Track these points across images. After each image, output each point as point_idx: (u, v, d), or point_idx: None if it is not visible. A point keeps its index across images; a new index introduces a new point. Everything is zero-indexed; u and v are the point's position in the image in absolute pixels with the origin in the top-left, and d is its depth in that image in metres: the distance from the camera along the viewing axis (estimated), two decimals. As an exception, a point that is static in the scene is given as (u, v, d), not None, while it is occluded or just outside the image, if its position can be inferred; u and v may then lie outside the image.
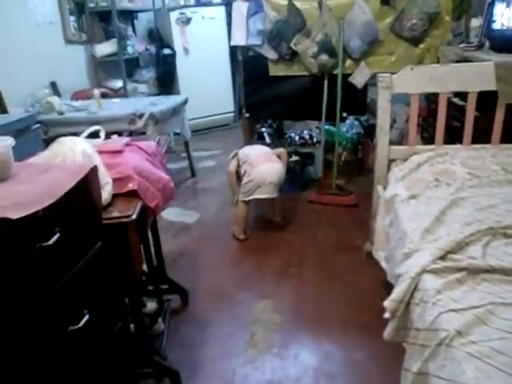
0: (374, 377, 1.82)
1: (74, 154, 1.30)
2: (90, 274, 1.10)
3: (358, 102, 3.43)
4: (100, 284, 1.17)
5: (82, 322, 0.98)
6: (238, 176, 3.08)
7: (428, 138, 3.10)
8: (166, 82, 5.34)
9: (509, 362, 1.01)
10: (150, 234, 2.08)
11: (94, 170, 1.11)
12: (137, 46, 5.03)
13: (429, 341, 1.21)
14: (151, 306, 2.13)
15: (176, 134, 4.46)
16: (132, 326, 1.72)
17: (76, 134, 1.61)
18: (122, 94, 4.67)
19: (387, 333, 1.49)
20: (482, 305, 1.19)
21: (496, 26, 2.62)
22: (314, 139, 3.89)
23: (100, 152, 1.51)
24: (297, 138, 3.95)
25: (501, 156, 2.20)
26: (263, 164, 2.94)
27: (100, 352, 1.16)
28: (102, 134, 1.72)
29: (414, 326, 1.32)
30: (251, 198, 2.94)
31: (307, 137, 3.93)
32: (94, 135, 1.71)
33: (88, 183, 1.07)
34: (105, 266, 1.18)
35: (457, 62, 2.66)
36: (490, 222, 1.56)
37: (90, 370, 1.13)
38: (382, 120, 2.33)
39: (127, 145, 1.73)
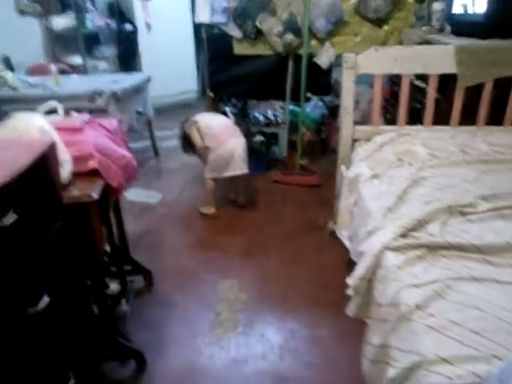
0: (337, 352, 1.87)
1: (31, 130, 1.23)
2: (50, 255, 1.06)
3: (323, 82, 3.44)
4: (61, 265, 1.13)
5: (43, 304, 0.95)
6: (192, 142, 3.02)
7: (390, 120, 3.16)
8: (128, 60, 5.17)
9: (464, 333, 1.06)
10: (112, 215, 2.03)
11: (52, 146, 1.06)
12: (96, 20, 4.82)
13: (390, 315, 1.25)
14: (114, 287, 2.09)
15: (138, 112, 4.34)
16: (95, 307, 1.69)
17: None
18: (81, 70, 4.49)
19: (350, 309, 1.53)
20: (440, 280, 1.24)
21: (456, 10, 2.67)
22: (279, 119, 3.88)
23: (58, 129, 1.44)
24: (261, 117, 3.93)
25: (459, 137, 2.27)
26: (231, 139, 2.90)
27: (62, 334, 1.13)
28: (61, 111, 1.64)
29: (376, 301, 1.36)
30: (223, 176, 2.91)
31: (272, 117, 3.91)
32: (52, 112, 1.63)
33: (46, 161, 1.02)
34: (65, 246, 1.14)
35: (419, 44, 2.70)
36: (449, 201, 1.62)
37: (51, 353, 1.10)
38: (346, 100, 2.35)
39: (87, 122, 1.67)
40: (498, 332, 1.03)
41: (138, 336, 1.96)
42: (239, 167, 2.91)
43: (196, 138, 2.98)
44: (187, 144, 3.14)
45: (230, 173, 2.90)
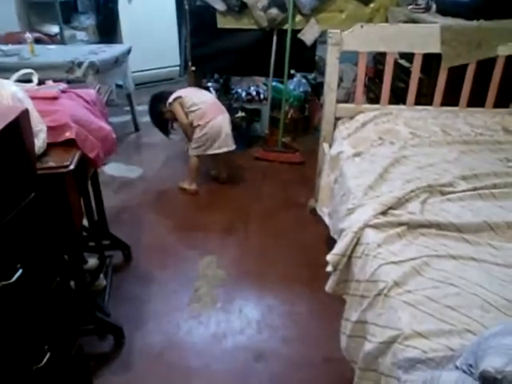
0: (314, 327, 1.90)
1: (2, 97, 1.18)
2: (23, 227, 1.03)
3: (307, 59, 3.39)
4: (35, 237, 1.10)
5: (15, 276, 0.92)
6: (175, 119, 2.96)
7: (373, 99, 3.15)
8: (108, 30, 5.00)
9: (439, 308, 1.08)
10: (90, 188, 1.99)
11: (25, 113, 1.01)
12: (74, -13, 4.65)
13: (368, 291, 1.26)
14: (92, 262, 2.07)
15: (118, 86, 4.24)
16: (72, 282, 1.66)
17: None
18: (58, 40, 4.33)
19: (329, 286, 1.54)
20: (418, 257, 1.26)
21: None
22: (261, 96, 3.83)
23: (33, 98, 1.39)
24: (243, 94, 3.87)
25: (440, 118, 2.28)
26: (218, 116, 2.85)
27: (36, 308, 1.10)
28: (35, 79, 1.58)
29: (355, 278, 1.37)
30: (209, 153, 2.88)
31: (254, 93, 3.86)
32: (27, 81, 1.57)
33: (18, 128, 0.98)
34: (40, 219, 1.11)
35: (405, 23, 2.68)
36: (429, 180, 1.63)
37: (25, 327, 1.08)
38: (330, 77, 2.32)
39: (64, 91, 1.61)
40: (473, 308, 1.05)
41: (117, 311, 1.95)
42: (226, 144, 2.88)
43: (180, 114, 2.89)
44: (164, 122, 3.07)
45: (216, 150, 2.87)
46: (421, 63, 2.30)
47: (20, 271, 0.94)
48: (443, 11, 2.60)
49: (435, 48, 2.25)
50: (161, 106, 3.01)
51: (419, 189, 1.57)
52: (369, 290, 1.27)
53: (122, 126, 4.08)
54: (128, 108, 4.06)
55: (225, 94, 3.86)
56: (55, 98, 1.49)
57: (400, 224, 1.40)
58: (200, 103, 2.87)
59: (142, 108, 4.42)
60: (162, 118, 3.05)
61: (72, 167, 1.27)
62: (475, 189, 1.59)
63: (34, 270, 1.07)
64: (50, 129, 1.35)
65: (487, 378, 0.77)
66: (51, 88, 1.59)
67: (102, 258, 2.10)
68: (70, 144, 1.38)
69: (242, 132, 3.64)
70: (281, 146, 3.48)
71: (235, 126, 3.52)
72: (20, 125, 0.97)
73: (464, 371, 0.85)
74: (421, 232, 1.38)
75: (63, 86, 1.66)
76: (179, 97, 2.90)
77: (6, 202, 0.95)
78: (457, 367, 0.89)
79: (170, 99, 2.92)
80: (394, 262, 1.26)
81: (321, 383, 1.67)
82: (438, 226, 1.39)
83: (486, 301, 1.07)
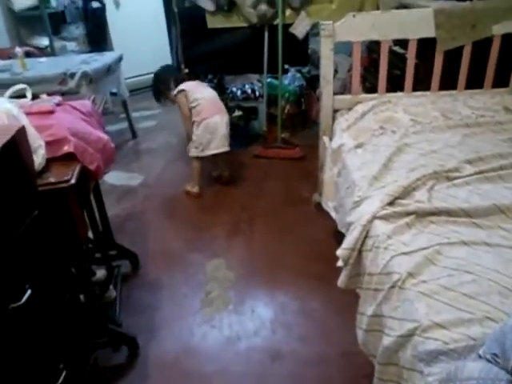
0: (329, 323, 1.88)
1: (-2, 115, 1.16)
2: (28, 246, 1.01)
3: (300, 52, 3.36)
4: (41, 255, 1.08)
5: (24, 297, 0.90)
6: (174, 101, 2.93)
7: (370, 88, 3.13)
8: (98, 39, 4.97)
9: (456, 297, 1.06)
10: (93, 199, 1.98)
11: (22, 131, 0.99)
12: (61, -2, 4.60)
13: (382, 284, 1.25)
14: (101, 273, 2.05)
15: (113, 94, 4.21)
16: (82, 296, 1.65)
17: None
18: (48, 52, 4.29)
19: (341, 280, 1.52)
20: (430, 246, 1.24)
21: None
22: (257, 93, 3.80)
23: (28, 113, 1.37)
24: (239, 92, 3.84)
25: (440, 102, 2.26)
26: (214, 116, 2.82)
27: (48, 327, 1.09)
28: (29, 94, 1.56)
29: (367, 271, 1.36)
30: (205, 154, 2.86)
31: (249, 91, 3.83)
32: (20, 97, 1.55)
33: (16, 147, 0.96)
34: (45, 236, 1.09)
35: (396, 8, 2.65)
36: (434, 167, 1.61)
37: (38, 347, 1.06)
38: (326, 69, 2.30)
39: (59, 104, 1.59)
40: (491, 294, 1.04)
41: (129, 321, 1.93)
42: (221, 145, 2.85)
43: (185, 108, 2.87)
44: (160, 91, 3.02)
45: (213, 151, 2.85)
46: (416, 48, 2.27)
47: (29, 292, 0.93)
48: (434, -6, 2.57)
49: (429, 32, 2.22)
50: (164, 89, 2.98)
51: (425, 176, 1.55)
52: (382, 282, 1.25)
53: (119, 134, 4.07)
54: (124, 115, 4.04)
55: (220, 94, 3.82)
56: (51, 112, 1.47)
57: (408, 213, 1.38)
58: (200, 99, 2.83)
59: (139, 114, 4.42)
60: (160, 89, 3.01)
61: (73, 181, 1.25)
62: (481, 172, 1.57)
63: (43, 289, 1.05)
64: (47, 144, 1.33)
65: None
66: (46, 102, 1.57)
67: (110, 268, 2.09)
68: (70, 158, 1.36)
69: (241, 131, 3.62)
70: (280, 142, 3.46)
71: (233, 125, 3.50)
72: (17, 143, 0.95)
73: (489, 360, 0.84)
74: (430, 220, 1.36)
75: (58, 99, 1.64)
76: (183, 90, 2.87)
77: (8, 223, 0.93)
78: (480, 356, 0.88)
79: (175, 91, 2.89)
80: (405, 253, 1.24)
81: (340, 379, 1.65)
82: (447, 213, 1.37)
83: (504, 286, 1.05)
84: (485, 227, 1.30)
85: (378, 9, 2.97)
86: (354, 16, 2.21)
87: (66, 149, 1.35)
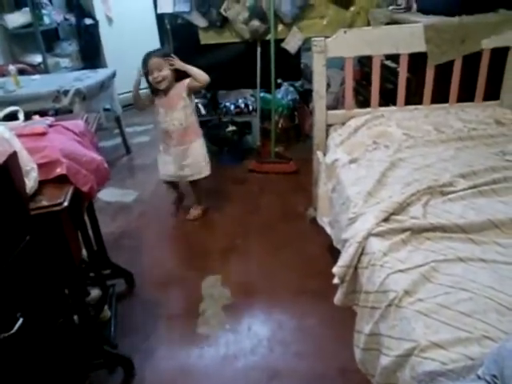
0: (326, 341, 1.86)
1: (-11, 139, 1.15)
2: (20, 273, 1.00)
3: (293, 67, 3.39)
4: (34, 281, 1.07)
5: (16, 326, 0.89)
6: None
7: (363, 102, 3.15)
8: (91, 55, 4.99)
9: (453, 315, 1.05)
10: (86, 219, 1.96)
11: (14, 156, 0.99)
12: (54, 15, 4.61)
13: (379, 302, 1.24)
14: (95, 293, 2.02)
15: (106, 109, 4.22)
16: (76, 317, 1.63)
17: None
18: (42, 69, 4.30)
19: (337, 298, 1.51)
20: (426, 263, 1.24)
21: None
22: (250, 107, 3.81)
23: (20, 135, 1.36)
24: (232, 107, 3.85)
25: (432, 116, 2.27)
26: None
27: (42, 354, 1.07)
28: (21, 115, 1.55)
29: (364, 289, 1.35)
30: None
31: (243, 105, 3.84)
32: (12, 117, 1.54)
33: (8, 172, 0.96)
34: (37, 261, 1.08)
35: (387, 24, 2.68)
36: (428, 181, 1.61)
37: (34, 373, 1.04)
38: (318, 85, 2.31)
39: (51, 125, 1.58)
40: (488, 312, 1.03)
41: (124, 341, 1.91)
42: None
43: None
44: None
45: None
46: (407, 63, 2.30)
47: (21, 320, 0.91)
48: (424, 10, 2.60)
49: (420, 47, 2.24)
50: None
51: (419, 191, 1.55)
52: (379, 300, 1.24)
53: (112, 150, 4.06)
54: (117, 131, 4.03)
55: (213, 109, 3.84)
56: (43, 134, 1.46)
57: (404, 230, 1.38)
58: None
59: (132, 129, 4.42)
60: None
61: (66, 204, 1.24)
62: (475, 186, 1.57)
63: (35, 316, 1.04)
64: (40, 166, 1.32)
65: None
66: (38, 123, 1.57)
67: (105, 288, 2.06)
68: (63, 180, 1.35)
69: (235, 145, 3.63)
70: (274, 157, 3.46)
71: (227, 140, 3.51)
72: (9, 169, 0.95)
73: (488, 382, 0.83)
74: (426, 236, 1.36)
75: (50, 119, 1.63)
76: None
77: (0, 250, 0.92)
78: (479, 377, 0.87)
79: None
80: (401, 270, 1.24)
81: (338, 397, 1.63)
82: (443, 229, 1.37)
83: (501, 304, 1.04)
84: (480, 243, 1.30)
85: (368, 24, 3.00)
86: (345, 32, 2.23)
87: (59, 171, 1.34)
